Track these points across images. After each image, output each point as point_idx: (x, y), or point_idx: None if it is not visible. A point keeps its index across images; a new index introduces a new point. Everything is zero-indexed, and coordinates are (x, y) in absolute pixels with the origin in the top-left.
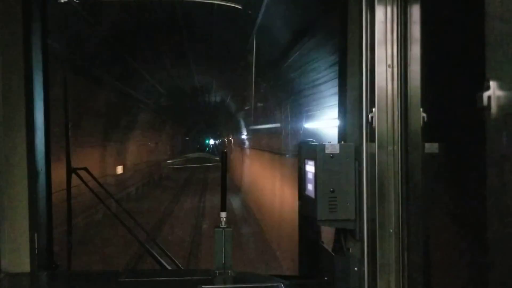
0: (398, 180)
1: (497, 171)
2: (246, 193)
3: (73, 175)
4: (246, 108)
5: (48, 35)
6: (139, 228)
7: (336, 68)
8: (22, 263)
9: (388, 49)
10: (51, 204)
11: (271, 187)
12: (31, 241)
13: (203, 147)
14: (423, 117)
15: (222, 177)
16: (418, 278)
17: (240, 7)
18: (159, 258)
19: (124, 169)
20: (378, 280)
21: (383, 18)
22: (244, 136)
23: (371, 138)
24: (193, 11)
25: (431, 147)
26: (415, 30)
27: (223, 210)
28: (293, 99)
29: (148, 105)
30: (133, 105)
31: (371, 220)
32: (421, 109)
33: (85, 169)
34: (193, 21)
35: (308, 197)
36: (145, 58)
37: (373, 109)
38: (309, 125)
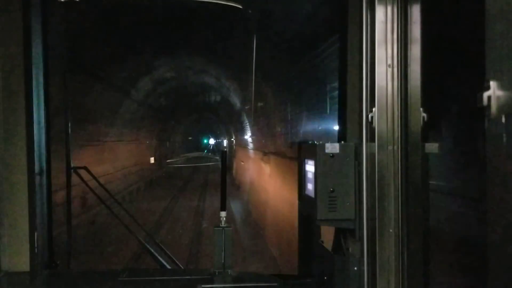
0: (398, 180)
1: (497, 171)
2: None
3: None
4: (246, 107)
5: (48, 35)
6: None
7: (336, 67)
8: (22, 262)
9: (389, 49)
10: (51, 203)
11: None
12: (31, 240)
13: (203, 147)
14: (423, 117)
15: (222, 177)
16: (418, 278)
17: (241, 7)
18: (158, 257)
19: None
20: (377, 280)
21: (383, 18)
22: (246, 136)
23: (371, 137)
24: (193, 9)
25: (431, 147)
26: (415, 30)
27: (223, 209)
28: (293, 99)
29: (145, 102)
30: (128, 102)
31: (371, 220)
32: (421, 109)
33: (85, 168)
34: (194, 19)
35: (308, 197)
36: (144, 57)
37: (373, 109)
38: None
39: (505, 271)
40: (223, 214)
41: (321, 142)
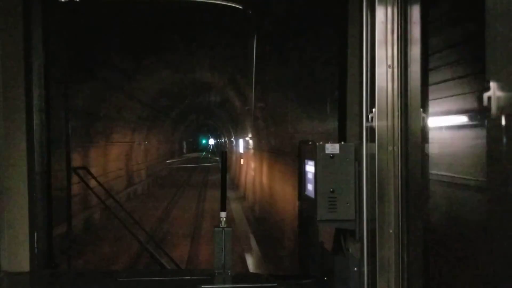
0: (398, 180)
1: (497, 172)
2: None
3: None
4: (247, 107)
5: (48, 35)
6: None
7: (337, 68)
8: (21, 262)
9: (389, 49)
10: (50, 203)
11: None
12: (31, 240)
13: (202, 147)
14: (423, 118)
15: (222, 177)
16: (418, 278)
17: (241, 7)
18: (158, 257)
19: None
20: (377, 280)
21: (384, 19)
22: (247, 137)
23: (371, 138)
24: (193, 10)
25: (431, 148)
26: (416, 31)
27: (223, 210)
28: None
29: (144, 102)
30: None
31: (371, 220)
32: (421, 109)
33: (85, 168)
34: (194, 20)
35: (308, 197)
36: (145, 57)
37: (373, 109)
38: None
39: (507, 270)
40: (223, 214)
41: (321, 143)
